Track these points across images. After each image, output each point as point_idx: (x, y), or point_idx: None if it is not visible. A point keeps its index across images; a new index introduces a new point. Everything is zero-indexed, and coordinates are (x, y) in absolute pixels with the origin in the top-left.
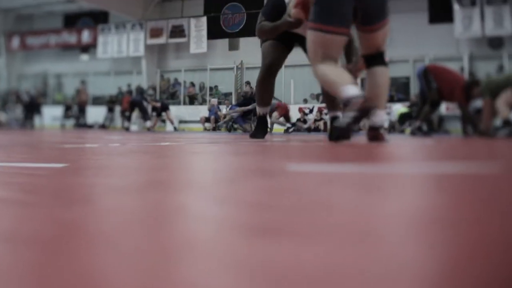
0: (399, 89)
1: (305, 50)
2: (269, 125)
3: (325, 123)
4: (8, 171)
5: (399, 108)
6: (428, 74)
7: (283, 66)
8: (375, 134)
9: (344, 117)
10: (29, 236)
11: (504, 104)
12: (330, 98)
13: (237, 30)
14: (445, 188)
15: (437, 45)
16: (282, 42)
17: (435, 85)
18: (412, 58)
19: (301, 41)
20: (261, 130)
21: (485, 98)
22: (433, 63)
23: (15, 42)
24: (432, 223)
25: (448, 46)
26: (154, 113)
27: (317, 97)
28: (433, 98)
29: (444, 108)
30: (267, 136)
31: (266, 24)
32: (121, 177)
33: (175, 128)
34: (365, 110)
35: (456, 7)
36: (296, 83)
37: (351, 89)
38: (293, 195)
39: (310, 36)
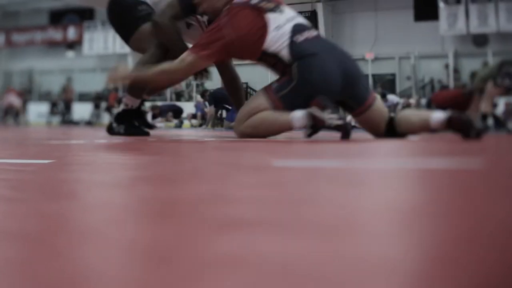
0: (385, 86)
1: None
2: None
3: None
4: None
5: (395, 99)
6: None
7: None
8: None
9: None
10: (16, 232)
11: (486, 99)
12: None
13: None
14: (427, 183)
15: (423, 42)
16: None
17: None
18: (398, 55)
19: None
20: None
21: (475, 95)
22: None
23: (0, 39)
24: (418, 217)
25: (433, 43)
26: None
27: None
28: None
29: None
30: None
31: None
32: (107, 173)
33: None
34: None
35: (441, 4)
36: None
37: (297, 112)
38: (279, 189)
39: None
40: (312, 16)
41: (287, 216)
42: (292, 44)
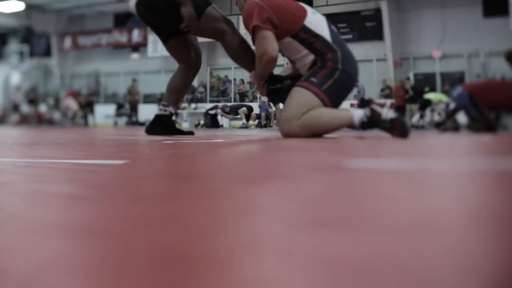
0: (453, 84)
1: None
2: None
3: None
4: (72, 168)
5: None
6: (473, 98)
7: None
8: None
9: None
10: (103, 230)
11: None
12: None
13: None
14: (502, 185)
15: (492, 39)
16: None
17: (486, 109)
18: (466, 52)
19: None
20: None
21: None
22: (469, 83)
23: (67, 42)
24: (495, 218)
25: (504, 40)
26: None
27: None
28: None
29: None
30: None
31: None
32: (182, 172)
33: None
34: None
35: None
36: None
37: (357, 111)
38: (354, 189)
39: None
40: (376, 14)
41: (364, 216)
42: (331, 31)
